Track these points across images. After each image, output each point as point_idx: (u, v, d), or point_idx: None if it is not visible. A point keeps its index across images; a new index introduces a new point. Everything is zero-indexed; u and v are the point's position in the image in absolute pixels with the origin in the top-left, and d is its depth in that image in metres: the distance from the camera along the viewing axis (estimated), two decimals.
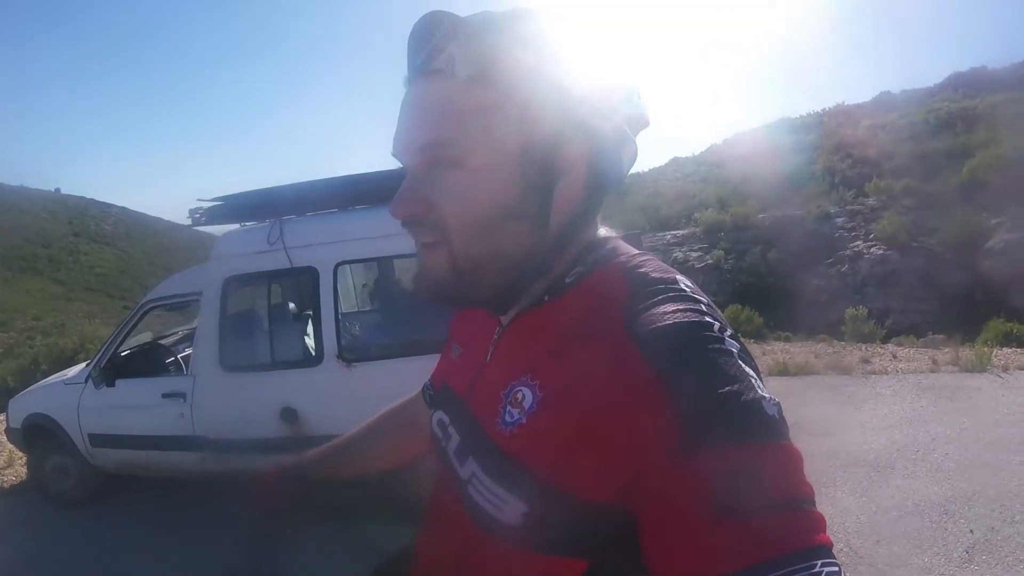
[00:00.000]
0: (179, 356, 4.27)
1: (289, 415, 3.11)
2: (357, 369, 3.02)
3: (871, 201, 13.60)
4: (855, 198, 13.85)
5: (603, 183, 0.58)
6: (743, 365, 0.46)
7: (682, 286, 0.53)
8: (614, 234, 0.63)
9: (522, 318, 0.61)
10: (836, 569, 0.39)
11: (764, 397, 0.45)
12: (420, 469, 0.85)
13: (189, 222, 3.59)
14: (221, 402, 3.32)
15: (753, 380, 0.45)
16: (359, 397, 2.99)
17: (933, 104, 18.33)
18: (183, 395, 3.48)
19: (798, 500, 0.41)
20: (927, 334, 8.05)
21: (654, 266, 0.56)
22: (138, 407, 3.63)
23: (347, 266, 3.28)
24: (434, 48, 0.52)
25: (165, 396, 3.54)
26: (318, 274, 3.09)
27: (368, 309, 4.55)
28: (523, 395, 0.54)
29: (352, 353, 3.07)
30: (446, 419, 0.68)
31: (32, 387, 4.53)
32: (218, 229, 3.66)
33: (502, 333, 0.63)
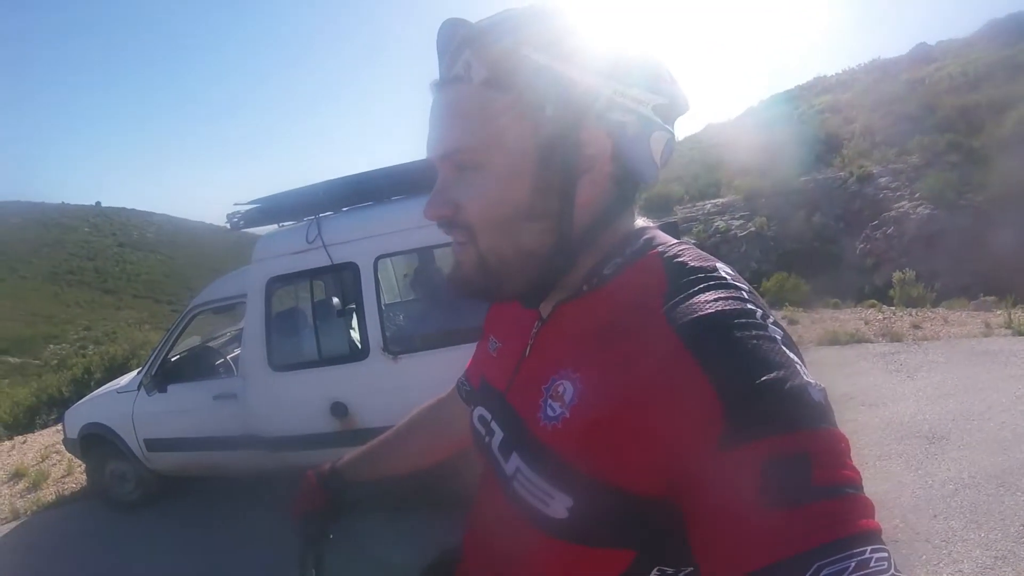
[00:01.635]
0: (228, 358, 4.36)
1: (339, 410, 3.14)
2: (403, 361, 3.02)
3: (914, 159, 13.00)
4: (898, 156, 13.27)
5: (633, 176, 0.57)
6: (787, 351, 0.46)
7: (722, 273, 0.53)
8: (651, 224, 0.62)
9: (561, 310, 0.61)
10: (885, 555, 0.39)
11: (809, 383, 0.44)
12: (463, 463, 0.84)
13: (228, 226, 3.64)
14: (272, 401, 3.38)
15: (797, 366, 0.45)
16: (407, 389, 3.00)
17: (972, 55, 17.43)
18: (234, 396, 3.55)
19: (845, 486, 0.41)
20: (978, 296, 7.73)
21: (693, 255, 0.55)
22: (191, 410, 3.73)
23: (387, 259, 3.27)
24: (453, 55, 0.54)
25: (216, 398, 3.62)
26: (359, 269, 3.09)
27: (410, 299, 4.55)
28: (564, 388, 0.54)
29: (397, 345, 3.07)
30: (487, 415, 0.67)
31: (86, 398, 4.69)
32: (259, 229, 3.70)
33: (541, 326, 0.63)
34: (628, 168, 0.56)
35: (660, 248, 0.57)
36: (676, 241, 0.59)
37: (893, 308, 7.24)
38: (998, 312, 6.17)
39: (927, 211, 11.39)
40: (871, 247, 11.35)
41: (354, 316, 3.19)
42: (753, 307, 0.49)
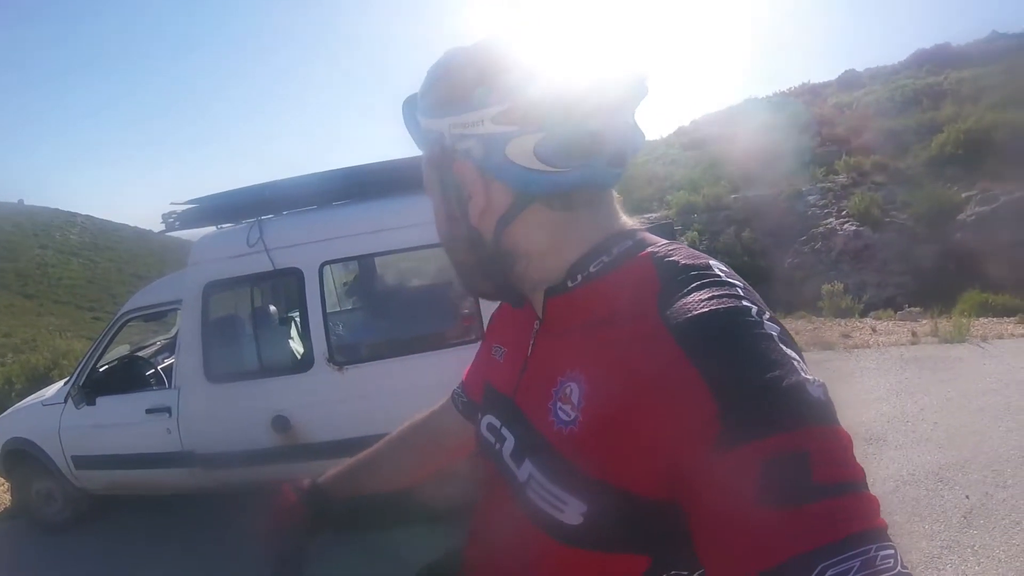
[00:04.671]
0: (159, 368, 4.12)
1: (281, 424, 3.02)
2: (349, 372, 2.94)
3: (842, 178, 13.81)
4: (826, 176, 14.05)
5: (520, 187, 0.57)
6: (784, 348, 0.46)
7: (716, 271, 0.53)
8: (642, 225, 0.63)
9: (552, 307, 0.61)
10: (892, 552, 0.39)
11: (807, 379, 0.44)
12: (446, 477, 0.82)
13: (162, 227, 3.45)
14: (209, 414, 3.21)
15: (796, 363, 0.45)
16: (353, 401, 2.92)
17: (899, 81, 18.67)
18: (168, 409, 3.35)
19: (848, 484, 0.41)
20: (904, 307, 8.23)
21: (685, 253, 0.55)
22: (122, 425, 3.49)
23: (331, 265, 3.18)
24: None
25: (149, 411, 3.40)
26: (303, 275, 2.98)
27: (351, 308, 4.44)
28: (571, 390, 0.54)
29: (343, 356, 2.98)
30: (497, 422, 0.67)
31: (9, 410, 4.32)
32: (191, 234, 3.53)
33: (539, 328, 0.65)
34: (506, 183, 0.57)
35: (651, 248, 0.57)
36: (666, 241, 0.59)
37: (822, 318, 7.64)
38: (923, 322, 6.58)
39: (853, 227, 12.11)
40: (800, 261, 11.96)
41: (297, 325, 3.08)
42: (748, 304, 0.48)
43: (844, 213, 12.70)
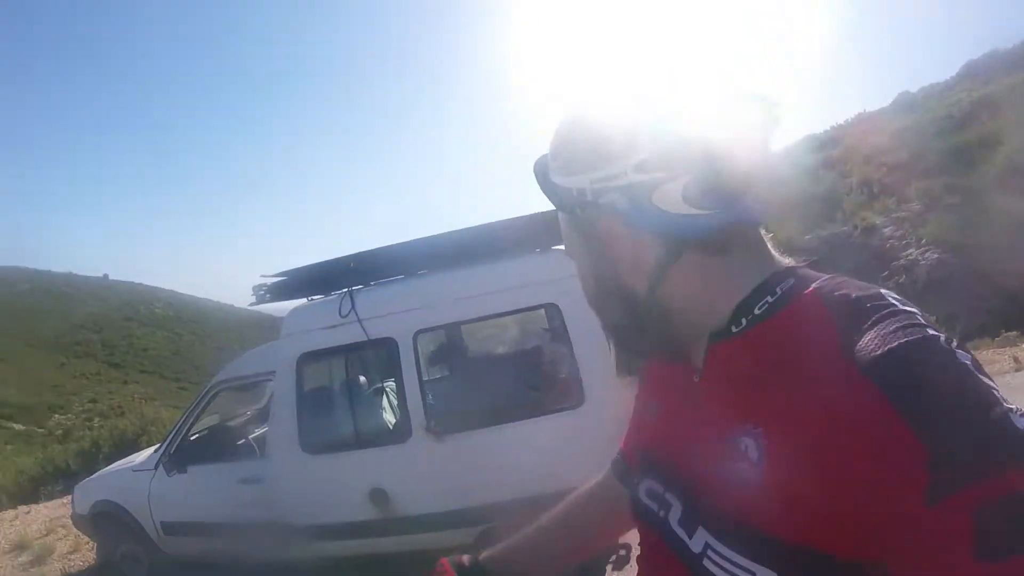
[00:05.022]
0: (250, 438, 4.20)
1: (378, 496, 2.96)
2: (448, 441, 2.87)
3: (915, 205, 13.15)
4: (898, 205, 13.42)
5: (670, 236, 0.55)
6: (981, 378, 0.42)
7: (890, 300, 0.49)
8: (800, 263, 0.59)
9: (715, 355, 0.57)
10: None
11: (1010, 410, 0.40)
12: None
13: (252, 300, 3.56)
14: (302, 485, 3.21)
15: (996, 393, 0.41)
16: (453, 471, 2.85)
17: (954, 96, 17.95)
18: (260, 479, 3.37)
19: None
20: (1000, 333, 7.61)
21: (853, 286, 0.52)
22: (213, 493, 3.54)
23: (425, 334, 3.17)
24: None
25: (241, 481, 3.44)
26: (397, 344, 2.99)
27: (443, 376, 4.41)
28: (747, 446, 0.50)
29: (441, 425, 2.93)
30: (659, 487, 0.63)
31: (99, 473, 4.49)
32: (276, 307, 3.62)
33: (701, 380, 0.59)
34: (656, 232, 0.54)
35: (817, 283, 0.53)
36: (828, 275, 0.55)
37: None
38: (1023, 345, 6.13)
39: (935, 255, 11.42)
40: None
41: (393, 394, 3.07)
42: (934, 332, 0.45)
43: (923, 242, 12.03)
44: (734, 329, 0.55)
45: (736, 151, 0.52)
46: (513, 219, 3.09)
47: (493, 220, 3.12)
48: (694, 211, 0.52)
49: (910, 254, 11.76)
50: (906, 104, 21.04)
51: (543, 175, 0.62)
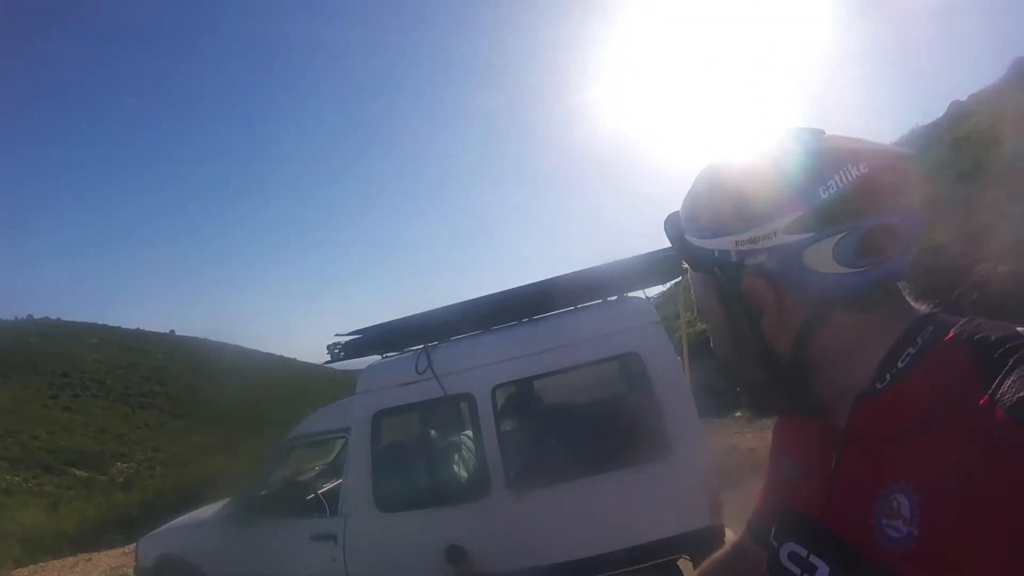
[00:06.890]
0: (320, 493, 4.21)
1: (456, 554, 2.91)
2: (528, 497, 2.81)
3: (981, 218, 12.53)
4: (964, 220, 12.82)
5: (814, 295, 0.55)
6: None
7: None
8: (933, 311, 0.58)
9: (859, 412, 0.55)
10: None
11: None
12: None
13: (327, 357, 3.63)
14: (378, 543, 3.18)
15: None
16: (533, 528, 2.78)
17: (1007, 99, 17.19)
18: (334, 537, 3.36)
19: None
20: None
21: (990, 327, 0.51)
22: (284, 550, 3.53)
23: (504, 388, 3.15)
24: None
25: (314, 538, 3.43)
26: (475, 400, 2.99)
27: (516, 429, 4.39)
28: (900, 503, 0.49)
29: (522, 480, 2.87)
30: (802, 551, 0.60)
31: (165, 526, 4.50)
32: (344, 363, 3.65)
33: (845, 438, 0.57)
34: (805, 292, 0.55)
35: (954, 329, 0.52)
36: (964, 319, 0.53)
37: None
38: None
39: (1006, 268, 10.80)
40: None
41: (465, 450, 3.04)
42: None
43: (993, 255, 11.41)
44: (879, 385, 0.53)
45: (883, 204, 0.52)
46: (587, 269, 3.08)
47: (566, 272, 3.12)
48: (845, 270, 0.52)
49: (982, 269, 11.17)
50: (959, 113, 20.25)
51: (677, 236, 0.63)
